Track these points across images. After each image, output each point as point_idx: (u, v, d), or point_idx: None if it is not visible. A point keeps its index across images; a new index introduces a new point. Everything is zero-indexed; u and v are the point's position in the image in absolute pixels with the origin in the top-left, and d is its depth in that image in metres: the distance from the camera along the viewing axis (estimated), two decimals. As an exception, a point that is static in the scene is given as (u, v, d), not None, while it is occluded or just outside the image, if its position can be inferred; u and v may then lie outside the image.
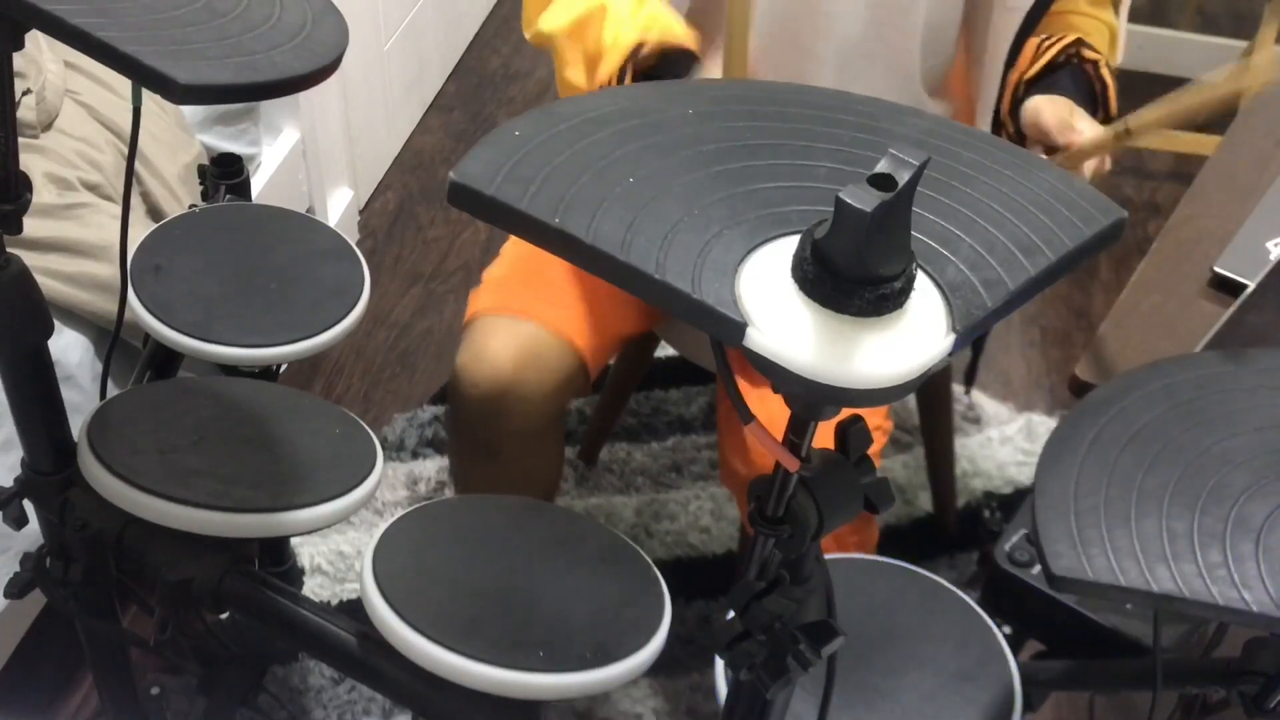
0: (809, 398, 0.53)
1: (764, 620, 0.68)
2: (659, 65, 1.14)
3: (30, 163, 1.42)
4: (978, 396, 2.09)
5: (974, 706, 0.93)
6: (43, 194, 1.41)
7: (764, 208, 0.58)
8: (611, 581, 0.98)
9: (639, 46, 1.14)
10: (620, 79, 1.14)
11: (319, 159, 2.13)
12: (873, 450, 1.26)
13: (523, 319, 1.23)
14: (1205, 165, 1.44)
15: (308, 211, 2.12)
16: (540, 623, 0.94)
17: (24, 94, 1.44)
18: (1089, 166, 1.18)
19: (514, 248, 1.34)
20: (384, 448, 1.78)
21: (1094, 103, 1.28)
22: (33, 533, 1.10)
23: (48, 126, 1.49)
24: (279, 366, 1.33)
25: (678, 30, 1.17)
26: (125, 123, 1.59)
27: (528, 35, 1.25)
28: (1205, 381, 0.89)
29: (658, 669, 1.13)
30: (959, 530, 1.87)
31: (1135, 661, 1.04)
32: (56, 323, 1.06)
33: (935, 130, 0.67)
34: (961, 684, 0.95)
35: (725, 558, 1.81)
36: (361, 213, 2.40)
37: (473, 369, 1.22)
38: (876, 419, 1.27)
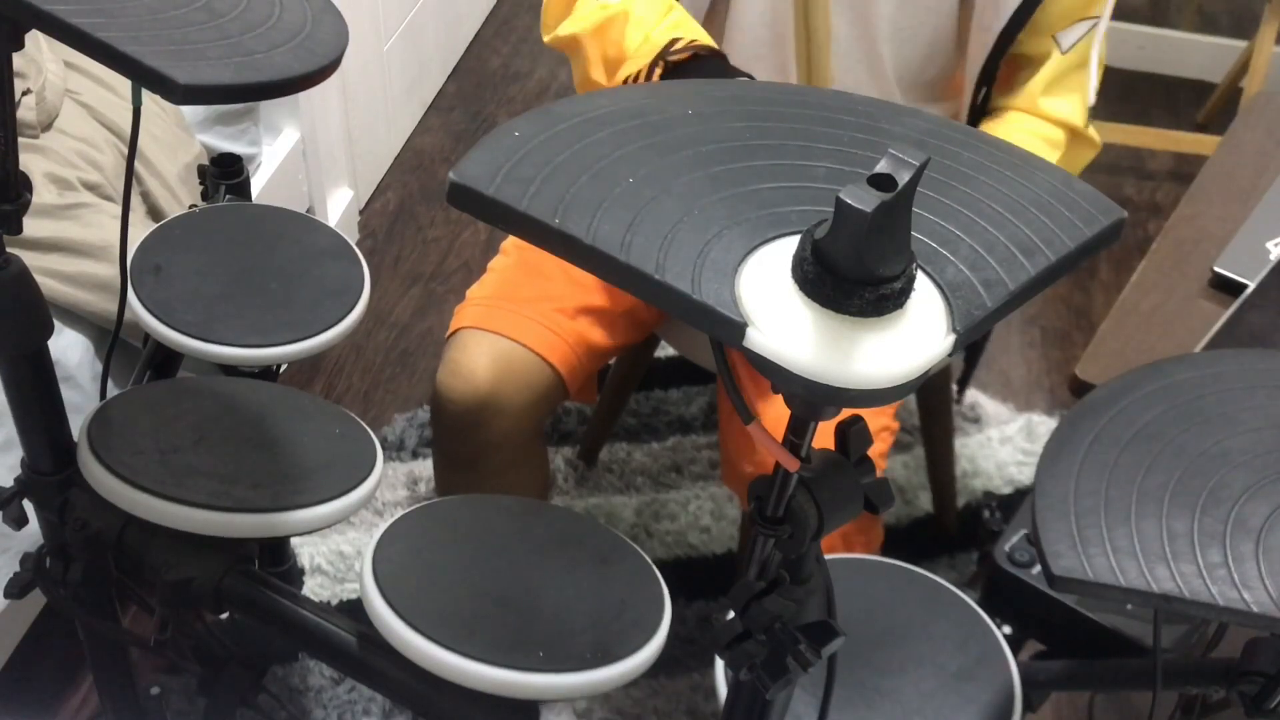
0: (809, 398, 0.53)
1: (764, 620, 0.68)
2: (690, 62, 1.18)
3: (30, 163, 1.42)
4: (978, 396, 2.09)
5: (974, 706, 0.93)
6: (43, 194, 1.41)
7: (764, 208, 0.58)
8: (611, 581, 0.98)
9: (672, 43, 1.17)
10: (650, 75, 1.17)
11: (319, 159, 2.13)
12: (880, 450, 1.27)
13: (499, 335, 1.26)
14: (1205, 165, 1.44)
15: (308, 211, 2.12)
16: (540, 623, 0.94)
17: (24, 94, 1.44)
18: None
19: (499, 264, 1.36)
20: (384, 448, 1.78)
21: None
22: (33, 533, 1.09)
23: (48, 126, 1.49)
24: (279, 366, 1.33)
25: (705, 36, 1.21)
26: (125, 123, 1.59)
27: (546, 40, 1.28)
28: (1205, 381, 0.89)
29: (658, 669, 1.14)
30: (959, 530, 1.87)
31: (1135, 661, 1.04)
32: (56, 323, 1.06)
33: (935, 130, 0.67)
34: (961, 684, 0.95)
35: (725, 558, 1.81)
36: (361, 213, 2.39)
37: (450, 384, 1.24)
38: (884, 419, 1.28)
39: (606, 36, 1.21)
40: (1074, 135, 1.26)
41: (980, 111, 1.30)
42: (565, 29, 1.24)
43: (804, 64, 1.29)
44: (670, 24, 1.20)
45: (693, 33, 1.20)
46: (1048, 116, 1.25)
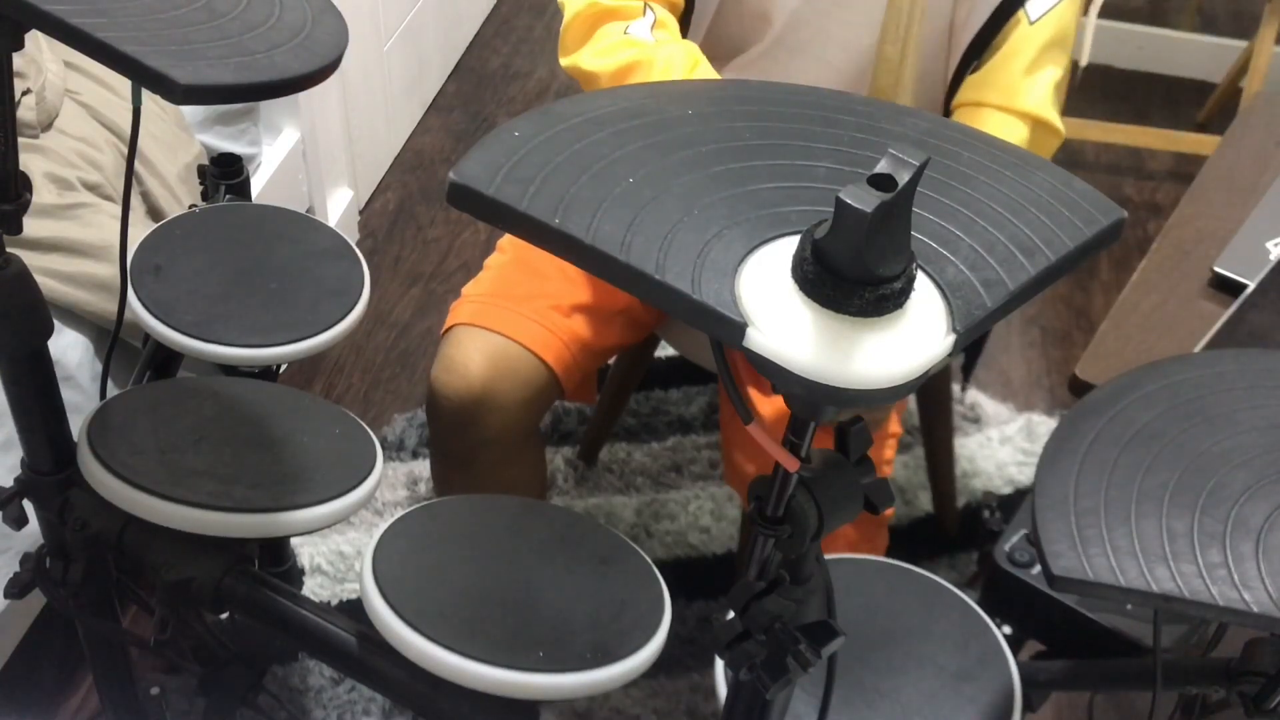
0: (809, 398, 0.53)
1: (764, 620, 0.68)
2: None
3: (30, 163, 1.42)
4: (978, 396, 2.09)
5: (974, 706, 0.93)
6: (43, 194, 1.41)
7: (764, 208, 0.58)
8: (611, 581, 0.98)
9: None
10: None
11: (319, 159, 2.13)
12: (886, 457, 1.26)
13: (494, 332, 1.26)
14: (1205, 165, 1.44)
15: (308, 211, 2.12)
16: (540, 623, 0.94)
17: (24, 94, 1.44)
18: None
19: (495, 261, 1.36)
20: (384, 448, 1.78)
21: None
22: (33, 533, 1.10)
23: (48, 126, 1.49)
24: (279, 366, 1.33)
25: None
26: (125, 123, 1.59)
27: (564, 63, 1.26)
28: (1205, 381, 0.89)
29: (658, 669, 1.14)
30: (959, 530, 1.87)
31: (1135, 661, 1.04)
32: (56, 323, 1.06)
33: (935, 130, 0.67)
34: (961, 684, 0.95)
35: (725, 558, 1.81)
36: (361, 213, 2.40)
37: (444, 380, 1.24)
38: (893, 425, 1.28)
39: (629, 80, 1.19)
40: (1037, 125, 1.21)
41: (947, 101, 1.29)
42: (586, 63, 1.22)
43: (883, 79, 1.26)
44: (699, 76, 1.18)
45: None
46: (1009, 108, 1.20)
